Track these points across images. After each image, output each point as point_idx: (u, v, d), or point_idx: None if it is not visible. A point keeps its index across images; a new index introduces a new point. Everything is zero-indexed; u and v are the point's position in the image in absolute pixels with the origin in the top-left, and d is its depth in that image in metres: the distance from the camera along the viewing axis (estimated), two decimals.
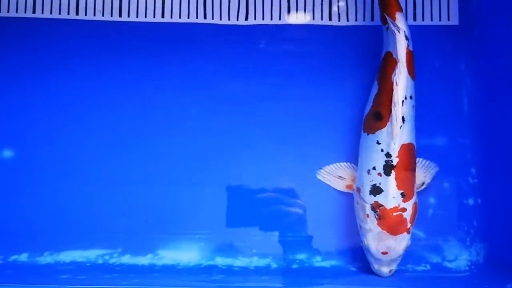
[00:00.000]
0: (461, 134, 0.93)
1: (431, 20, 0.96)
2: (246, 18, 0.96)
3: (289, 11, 0.96)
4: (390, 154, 0.82)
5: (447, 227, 0.91)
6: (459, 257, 0.91)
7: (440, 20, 0.96)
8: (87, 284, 0.83)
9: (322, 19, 0.96)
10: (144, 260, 0.91)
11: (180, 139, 0.93)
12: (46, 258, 0.90)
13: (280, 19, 0.96)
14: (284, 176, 0.92)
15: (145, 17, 0.96)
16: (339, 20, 0.96)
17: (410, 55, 0.83)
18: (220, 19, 0.96)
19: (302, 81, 0.94)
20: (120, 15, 0.96)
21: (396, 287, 0.84)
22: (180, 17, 0.96)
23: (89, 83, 0.94)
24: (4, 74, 0.94)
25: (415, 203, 0.84)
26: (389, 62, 0.85)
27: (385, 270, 0.84)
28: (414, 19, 0.95)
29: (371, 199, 0.83)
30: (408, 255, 0.86)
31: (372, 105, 0.86)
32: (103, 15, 0.96)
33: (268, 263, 0.91)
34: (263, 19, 0.96)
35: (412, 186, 0.83)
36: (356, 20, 0.96)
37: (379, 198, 0.83)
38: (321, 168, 0.91)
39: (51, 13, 0.96)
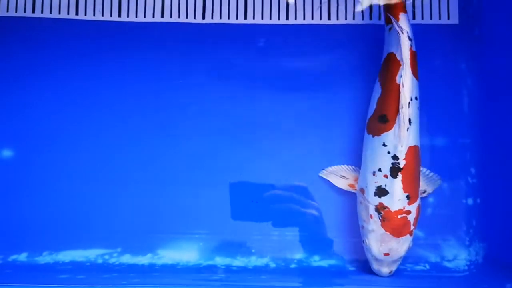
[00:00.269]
0: (461, 134, 0.93)
1: (431, 19, 0.95)
2: (245, 18, 0.96)
3: (288, 11, 0.96)
4: (397, 157, 0.81)
5: (447, 227, 0.91)
6: (458, 257, 0.91)
7: (440, 19, 0.95)
8: (87, 283, 0.83)
9: (321, 19, 0.95)
10: (143, 259, 0.91)
11: (180, 138, 0.93)
12: (46, 258, 0.91)
13: (279, 19, 0.96)
14: (283, 176, 0.92)
15: (145, 17, 0.96)
16: (337, 19, 0.95)
17: (414, 56, 0.83)
18: (220, 18, 0.96)
19: (302, 81, 0.94)
20: (120, 15, 0.96)
21: (395, 287, 0.84)
22: (179, 17, 0.96)
23: (89, 83, 0.94)
24: (4, 74, 0.94)
25: (418, 205, 0.83)
26: (392, 63, 0.84)
27: (385, 270, 0.84)
28: (414, 18, 0.95)
29: (375, 200, 0.82)
30: (407, 255, 0.86)
31: (376, 107, 0.85)
32: (103, 15, 0.96)
33: (266, 263, 0.91)
34: (262, 18, 0.96)
35: (417, 189, 0.83)
36: (353, 19, 0.95)
37: (384, 200, 0.82)
38: (322, 169, 0.91)
39: (51, 12, 0.96)
